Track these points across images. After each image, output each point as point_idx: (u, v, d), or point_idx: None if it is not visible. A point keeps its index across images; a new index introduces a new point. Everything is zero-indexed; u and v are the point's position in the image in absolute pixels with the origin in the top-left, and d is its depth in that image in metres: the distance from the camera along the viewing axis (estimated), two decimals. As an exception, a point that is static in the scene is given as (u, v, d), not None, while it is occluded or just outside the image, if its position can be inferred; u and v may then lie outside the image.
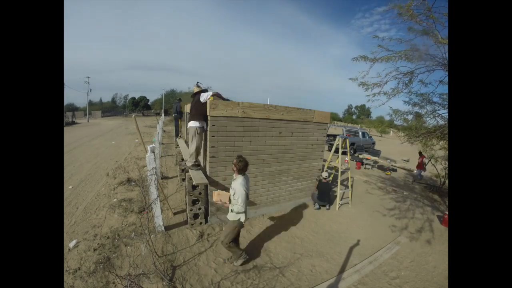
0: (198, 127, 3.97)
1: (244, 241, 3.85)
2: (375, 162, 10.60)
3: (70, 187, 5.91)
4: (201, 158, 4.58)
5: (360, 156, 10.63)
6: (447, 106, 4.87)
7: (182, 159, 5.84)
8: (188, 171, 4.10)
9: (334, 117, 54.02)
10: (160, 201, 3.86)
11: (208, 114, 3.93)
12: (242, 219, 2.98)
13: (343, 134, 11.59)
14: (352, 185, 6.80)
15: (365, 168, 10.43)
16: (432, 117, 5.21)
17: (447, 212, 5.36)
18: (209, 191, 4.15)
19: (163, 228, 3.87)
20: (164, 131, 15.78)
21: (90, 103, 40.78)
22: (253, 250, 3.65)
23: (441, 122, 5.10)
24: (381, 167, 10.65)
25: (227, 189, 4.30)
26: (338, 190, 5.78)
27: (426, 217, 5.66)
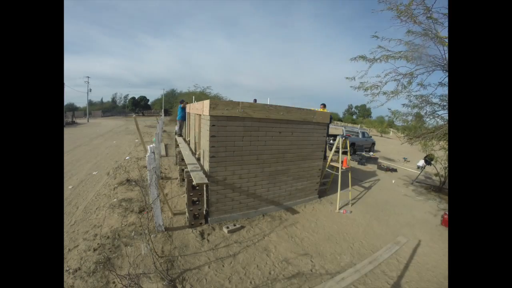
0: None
1: (244, 241, 3.86)
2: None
3: (70, 187, 5.91)
4: (201, 158, 4.57)
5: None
6: (446, 107, 4.88)
7: (182, 159, 5.85)
8: (189, 172, 4.10)
9: (334, 117, 53.96)
10: (161, 201, 3.86)
11: (208, 113, 3.95)
12: None
13: (343, 135, 11.75)
14: (351, 184, 6.78)
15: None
16: (432, 117, 5.22)
17: (447, 212, 5.36)
18: (209, 191, 4.15)
19: (163, 228, 3.87)
20: (165, 131, 15.78)
21: (90, 103, 40.79)
22: (253, 250, 3.65)
23: (441, 123, 5.10)
24: (381, 167, 10.68)
25: (227, 189, 4.32)
26: (339, 190, 5.78)
27: (426, 217, 5.66)
